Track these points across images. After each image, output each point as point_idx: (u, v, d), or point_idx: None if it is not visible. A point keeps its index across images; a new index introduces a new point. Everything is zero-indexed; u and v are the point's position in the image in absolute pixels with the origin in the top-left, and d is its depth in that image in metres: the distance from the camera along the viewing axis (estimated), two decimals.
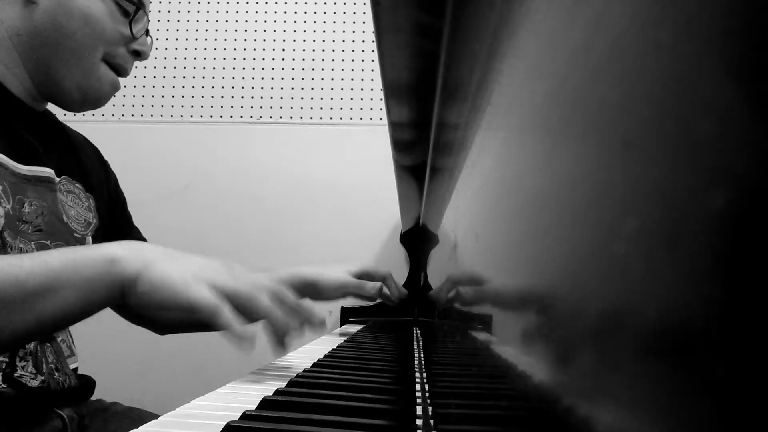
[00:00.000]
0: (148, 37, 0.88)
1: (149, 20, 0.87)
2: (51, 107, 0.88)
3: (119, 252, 0.58)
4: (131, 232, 1.02)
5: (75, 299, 0.56)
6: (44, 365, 0.74)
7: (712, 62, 0.11)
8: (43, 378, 0.73)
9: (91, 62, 0.81)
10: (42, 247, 0.76)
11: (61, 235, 0.79)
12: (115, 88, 0.85)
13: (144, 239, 1.04)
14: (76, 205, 0.84)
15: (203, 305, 0.55)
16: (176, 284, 0.56)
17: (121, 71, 0.85)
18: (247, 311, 0.57)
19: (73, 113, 0.91)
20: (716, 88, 0.11)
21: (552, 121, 0.22)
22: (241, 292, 0.57)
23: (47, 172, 0.79)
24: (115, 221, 0.96)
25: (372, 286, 1.10)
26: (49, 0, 0.77)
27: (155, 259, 0.58)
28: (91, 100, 0.84)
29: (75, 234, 0.82)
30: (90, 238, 0.85)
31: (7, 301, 0.54)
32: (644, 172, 0.14)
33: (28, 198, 0.75)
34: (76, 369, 0.83)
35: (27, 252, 0.74)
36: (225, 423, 0.38)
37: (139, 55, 0.85)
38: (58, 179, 0.81)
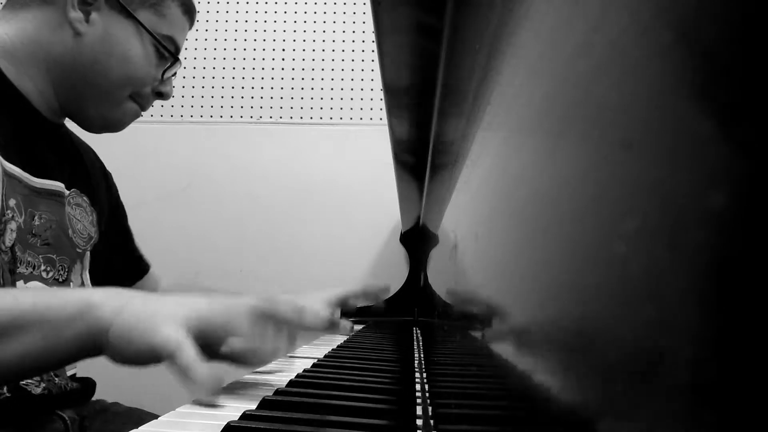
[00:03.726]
0: (174, 77, 0.90)
1: (181, 65, 0.90)
2: None
3: (96, 297, 0.53)
4: (128, 248, 1.02)
5: (41, 343, 0.51)
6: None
7: (711, 62, 0.11)
8: (45, 384, 0.74)
9: (119, 99, 0.83)
10: (49, 261, 0.76)
11: (65, 250, 0.80)
12: (136, 117, 0.88)
13: (141, 256, 1.03)
14: (83, 219, 0.85)
15: (163, 346, 0.49)
16: (146, 324, 0.50)
17: (141, 107, 0.87)
18: (225, 339, 0.53)
19: None
20: (716, 88, 0.11)
21: (552, 121, 0.22)
22: (217, 321, 0.53)
23: (57, 185, 0.80)
24: (114, 236, 0.96)
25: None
26: (94, 35, 0.78)
27: (131, 302, 0.53)
28: (111, 127, 0.87)
29: (77, 249, 0.82)
30: (89, 252, 0.85)
31: None
32: (644, 172, 0.13)
33: (38, 211, 0.76)
34: (73, 375, 0.83)
35: (35, 265, 0.74)
36: (225, 423, 0.38)
37: (161, 95, 0.88)
38: (67, 192, 0.82)
